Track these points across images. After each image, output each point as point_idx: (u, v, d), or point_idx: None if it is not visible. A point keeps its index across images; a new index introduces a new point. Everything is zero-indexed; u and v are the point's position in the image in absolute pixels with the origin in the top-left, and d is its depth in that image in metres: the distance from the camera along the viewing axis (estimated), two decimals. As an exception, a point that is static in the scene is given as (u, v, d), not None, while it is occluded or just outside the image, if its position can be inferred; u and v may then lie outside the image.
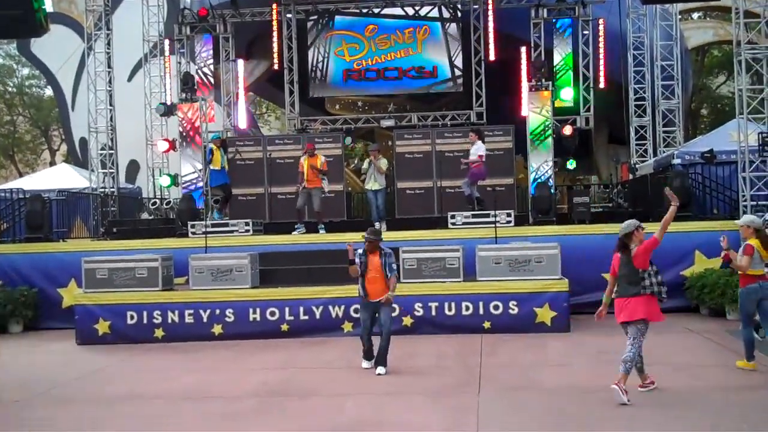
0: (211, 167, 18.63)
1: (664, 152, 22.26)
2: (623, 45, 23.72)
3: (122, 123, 23.58)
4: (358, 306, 13.64)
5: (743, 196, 15.42)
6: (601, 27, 22.25)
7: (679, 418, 8.25)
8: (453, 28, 23.69)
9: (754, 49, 15.72)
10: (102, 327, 14.30)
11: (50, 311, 16.40)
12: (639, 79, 23.62)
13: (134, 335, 14.18)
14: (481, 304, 13.78)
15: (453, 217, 16.81)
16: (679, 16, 25.97)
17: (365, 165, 17.93)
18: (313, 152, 17.05)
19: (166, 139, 22.45)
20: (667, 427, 7.93)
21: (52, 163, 41.60)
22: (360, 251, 11.07)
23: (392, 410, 9.00)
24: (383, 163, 17.63)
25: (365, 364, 11.30)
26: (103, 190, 22.62)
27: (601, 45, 22.31)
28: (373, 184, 17.46)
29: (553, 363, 11.62)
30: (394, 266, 11.13)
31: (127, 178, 28.65)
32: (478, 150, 17.10)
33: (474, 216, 16.73)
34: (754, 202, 15.38)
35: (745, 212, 15.21)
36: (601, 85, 22.35)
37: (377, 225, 16.67)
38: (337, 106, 28.77)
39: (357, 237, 15.94)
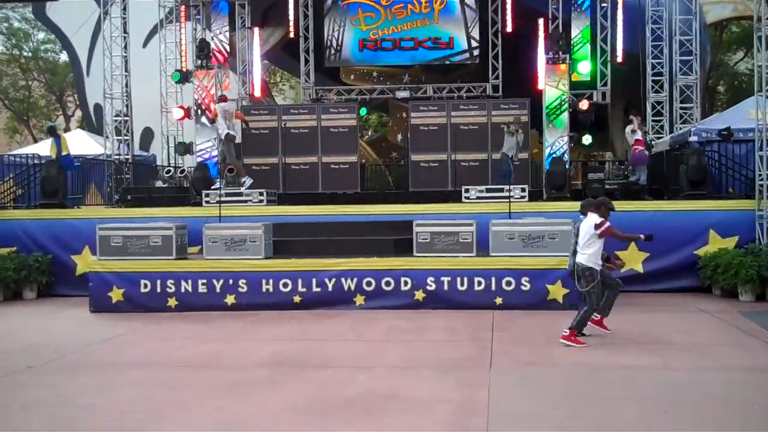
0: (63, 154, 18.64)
1: (680, 129, 22.06)
2: (642, 19, 23.44)
3: (137, 90, 23.55)
4: (370, 279, 13.85)
5: (760, 175, 15.27)
6: (620, 0, 22.04)
7: (689, 397, 8.25)
8: (470, -2, 23.52)
9: (775, 25, 15.51)
10: (115, 295, 14.39)
11: (64, 278, 16.56)
12: (657, 53, 23.35)
13: (147, 304, 14.25)
14: (493, 279, 13.78)
15: (467, 191, 16.79)
16: (699, -9, 25.62)
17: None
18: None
19: (181, 107, 22.44)
20: (677, 405, 7.93)
21: (67, 129, 41.56)
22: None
23: (403, 383, 9.02)
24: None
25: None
26: (117, 157, 22.64)
27: (620, 18, 22.09)
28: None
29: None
30: None
31: (141, 146, 28.66)
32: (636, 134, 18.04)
33: (488, 190, 16.71)
34: (771, 181, 15.25)
35: (761, 191, 15.11)
36: (619, 59, 22.16)
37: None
38: (352, 77, 28.65)
39: (371, 209, 16.13)
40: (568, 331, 10.79)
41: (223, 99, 18.72)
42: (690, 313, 13.34)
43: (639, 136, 18.50)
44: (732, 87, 41.25)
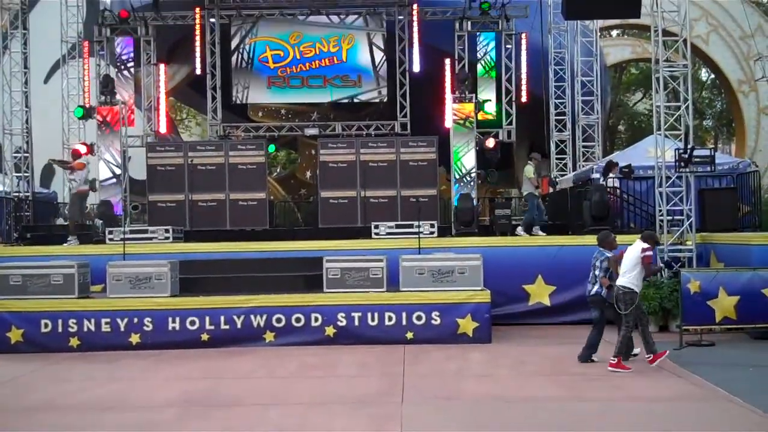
0: None
1: (583, 166, 22.66)
2: (545, 60, 24.10)
3: (38, 126, 22.93)
4: (280, 315, 13.70)
5: (660, 210, 15.76)
6: (523, 41, 22.63)
7: (598, 428, 8.36)
8: (378, 38, 23.82)
9: (672, 66, 16.13)
10: (15, 335, 13.83)
11: (-41, 319, 15.82)
12: (560, 94, 24.01)
13: (48, 344, 13.74)
14: (404, 314, 13.79)
15: (377, 227, 16.83)
16: (599, 33, 26.54)
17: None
18: None
19: (84, 143, 21.91)
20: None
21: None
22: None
23: (315, 420, 8.92)
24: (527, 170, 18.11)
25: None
26: (17, 194, 21.94)
27: (524, 59, 22.66)
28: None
29: (475, 373, 11.70)
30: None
31: (42, 183, 27.85)
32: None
33: (397, 226, 16.80)
34: (670, 217, 15.74)
35: (661, 226, 15.57)
36: (523, 99, 22.68)
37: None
38: (260, 114, 28.54)
39: (280, 246, 16.02)
40: (615, 359, 11.25)
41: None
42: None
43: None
44: (631, 126, 42.73)
